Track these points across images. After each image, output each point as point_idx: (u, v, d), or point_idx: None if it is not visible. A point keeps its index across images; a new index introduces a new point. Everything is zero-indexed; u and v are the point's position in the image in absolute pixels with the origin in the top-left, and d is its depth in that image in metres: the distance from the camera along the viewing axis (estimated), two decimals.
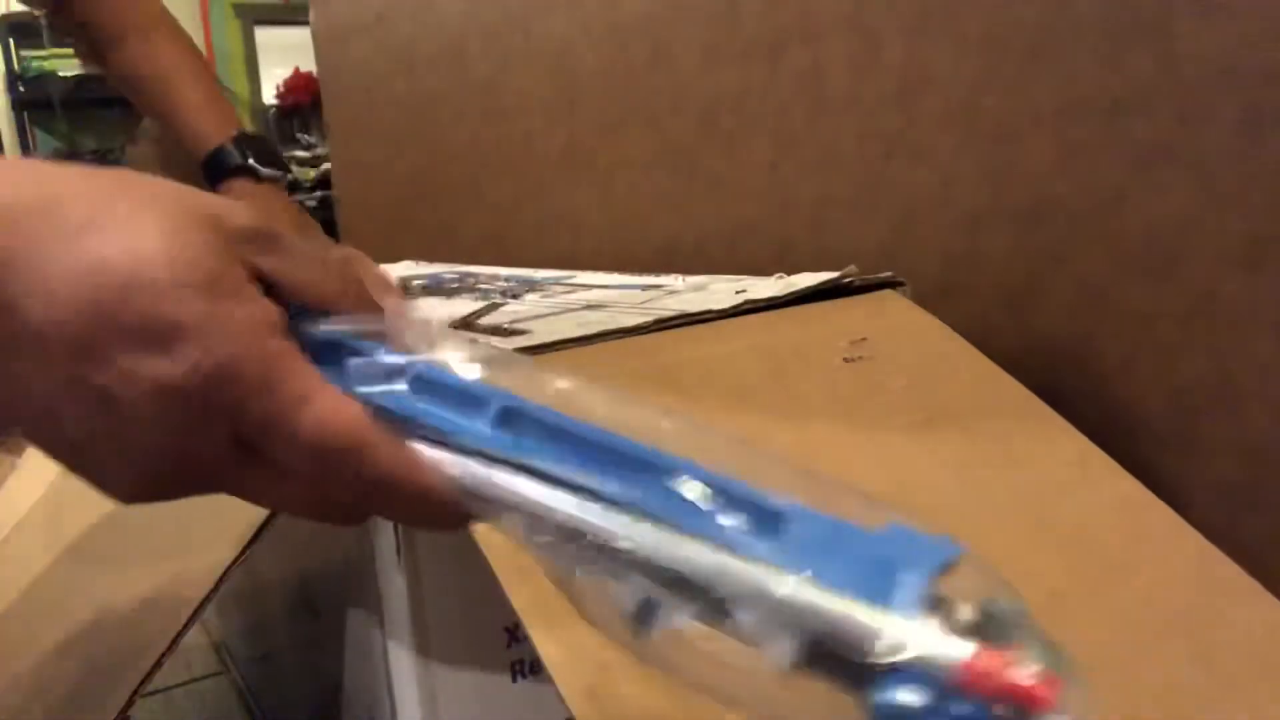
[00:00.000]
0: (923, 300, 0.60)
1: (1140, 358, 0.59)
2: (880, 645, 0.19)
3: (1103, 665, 0.38)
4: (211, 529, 0.45)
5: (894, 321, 0.58)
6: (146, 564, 0.47)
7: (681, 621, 0.23)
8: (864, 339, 0.54)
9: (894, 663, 0.19)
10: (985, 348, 0.56)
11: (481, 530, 0.38)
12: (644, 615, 0.24)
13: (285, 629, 0.69)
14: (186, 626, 0.42)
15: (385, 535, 0.45)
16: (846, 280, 0.59)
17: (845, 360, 0.53)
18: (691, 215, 0.91)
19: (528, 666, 0.49)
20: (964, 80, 0.65)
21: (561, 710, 0.33)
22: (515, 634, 0.48)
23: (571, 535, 0.25)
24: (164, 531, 0.49)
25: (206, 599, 0.42)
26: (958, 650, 0.19)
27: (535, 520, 0.26)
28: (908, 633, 0.19)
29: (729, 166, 0.86)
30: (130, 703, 0.41)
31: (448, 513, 0.28)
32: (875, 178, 0.73)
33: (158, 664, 0.41)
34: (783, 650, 0.21)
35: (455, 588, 0.46)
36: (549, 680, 0.33)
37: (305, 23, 1.63)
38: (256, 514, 0.42)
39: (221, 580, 0.42)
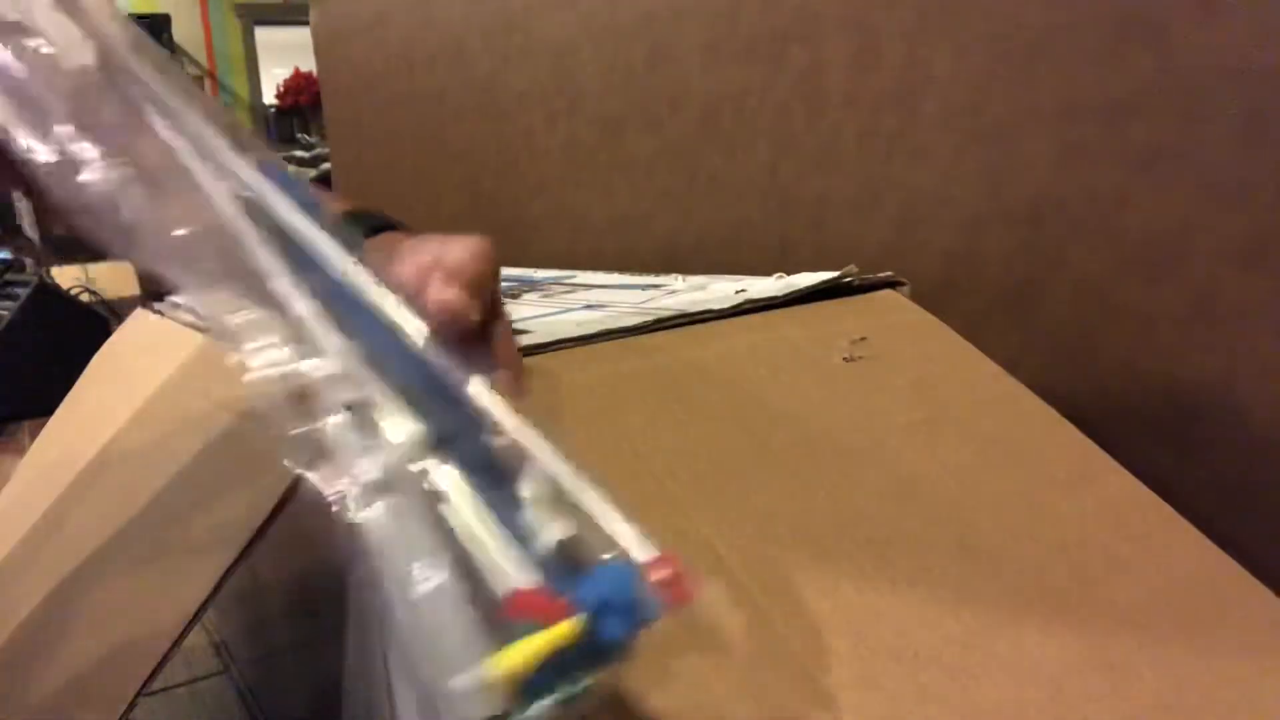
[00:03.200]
0: (923, 300, 0.60)
1: (1140, 358, 0.59)
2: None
3: (1103, 663, 0.38)
4: (211, 529, 0.45)
5: (894, 321, 0.58)
6: (147, 564, 0.47)
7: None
8: (864, 339, 0.54)
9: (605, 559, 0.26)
10: (985, 348, 0.56)
11: None
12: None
13: (285, 629, 0.69)
14: (188, 627, 0.42)
15: None
16: (846, 280, 0.59)
17: (845, 360, 0.53)
18: (691, 215, 0.91)
19: None
20: (964, 80, 0.65)
21: None
22: None
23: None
24: (164, 531, 0.49)
25: (207, 599, 0.42)
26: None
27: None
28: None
29: (729, 166, 0.86)
30: (132, 704, 0.41)
31: None
32: (875, 178, 0.73)
33: (159, 664, 0.41)
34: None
35: None
36: None
37: (305, 23, 1.63)
38: (257, 514, 0.42)
39: (222, 580, 0.42)
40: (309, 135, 4.53)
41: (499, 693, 0.24)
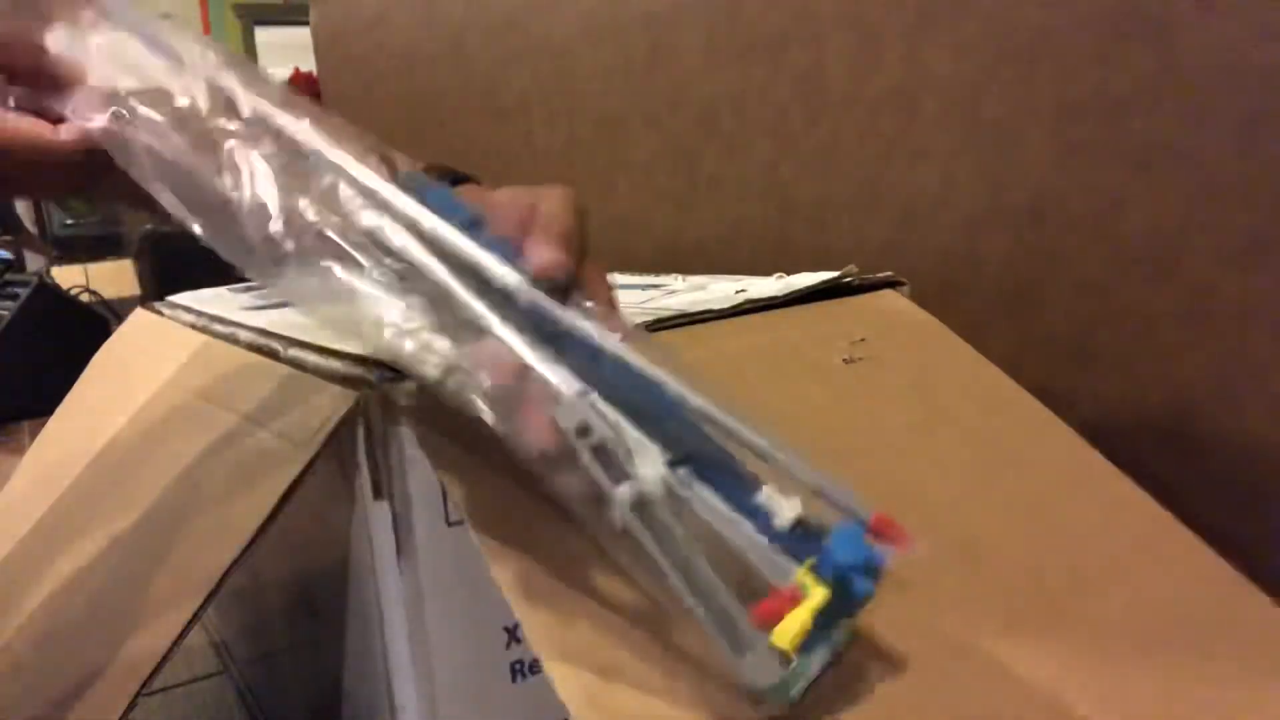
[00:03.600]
0: (923, 300, 0.60)
1: (1140, 357, 0.59)
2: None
3: (1100, 668, 0.38)
4: (211, 529, 0.45)
5: (894, 321, 0.58)
6: (146, 565, 0.47)
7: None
8: (863, 339, 0.54)
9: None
10: (985, 348, 0.56)
11: (481, 531, 0.38)
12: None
13: (285, 629, 0.69)
14: (187, 627, 0.42)
15: (384, 535, 0.45)
16: (846, 280, 0.59)
17: (845, 361, 0.53)
18: (691, 215, 0.91)
19: (528, 666, 0.49)
20: (964, 80, 0.65)
21: (561, 710, 0.33)
22: (515, 634, 0.48)
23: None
24: (164, 531, 0.49)
25: (207, 599, 0.42)
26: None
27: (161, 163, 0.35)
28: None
29: (729, 166, 0.86)
30: (132, 704, 0.41)
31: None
32: (875, 178, 0.73)
33: (158, 664, 0.41)
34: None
35: (454, 587, 0.46)
36: (549, 680, 0.33)
37: (305, 23, 1.63)
38: (257, 514, 0.42)
39: (222, 580, 0.42)
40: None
41: (784, 659, 0.30)
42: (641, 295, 0.64)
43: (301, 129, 0.37)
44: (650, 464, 0.31)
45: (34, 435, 0.70)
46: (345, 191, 0.37)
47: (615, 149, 1.00)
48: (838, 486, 0.32)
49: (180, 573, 0.45)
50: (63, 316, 1.81)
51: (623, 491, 0.31)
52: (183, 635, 0.42)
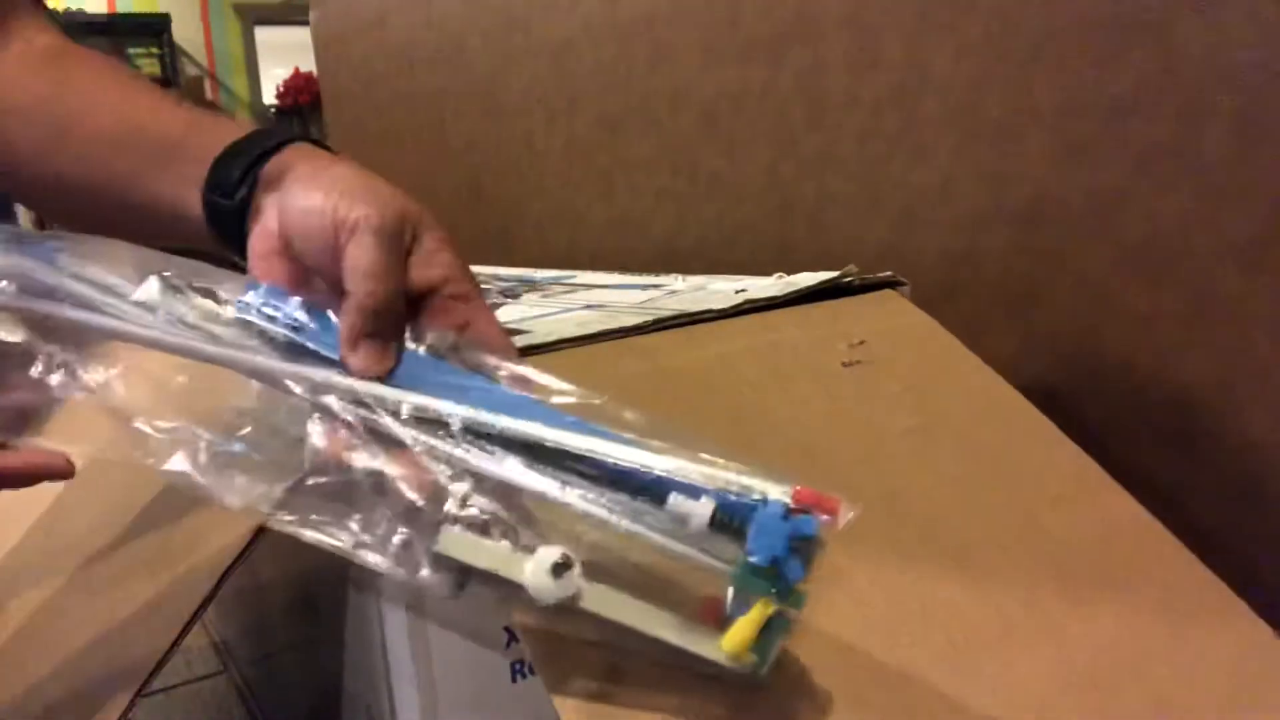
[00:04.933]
0: (923, 300, 0.60)
1: (1140, 358, 0.59)
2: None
3: (1089, 680, 0.38)
4: (211, 530, 0.45)
5: (893, 324, 0.58)
6: (147, 565, 0.47)
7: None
8: (862, 342, 0.54)
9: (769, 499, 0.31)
10: (985, 348, 0.56)
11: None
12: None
13: (285, 629, 0.69)
14: (187, 627, 0.42)
15: None
16: (846, 280, 0.59)
17: (844, 365, 0.53)
18: (691, 215, 0.91)
19: (527, 667, 0.49)
20: (964, 80, 0.65)
21: None
22: (515, 634, 0.48)
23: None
24: (164, 532, 0.49)
25: (207, 599, 0.42)
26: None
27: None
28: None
29: (729, 166, 0.86)
30: (132, 703, 0.41)
31: None
32: (875, 178, 0.73)
33: (159, 664, 0.41)
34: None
35: None
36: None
37: (305, 23, 1.63)
38: (257, 515, 0.42)
39: (222, 580, 0.42)
40: (309, 135, 4.52)
41: (741, 659, 0.31)
42: (641, 295, 0.64)
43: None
44: (539, 571, 0.31)
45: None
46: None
47: (615, 149, 1.00)
48: (755, 472, 0.32)
49: (181, 572, 0.45)
50: None
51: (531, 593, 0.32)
52: (183, 635, 0.42)
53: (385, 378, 0.34)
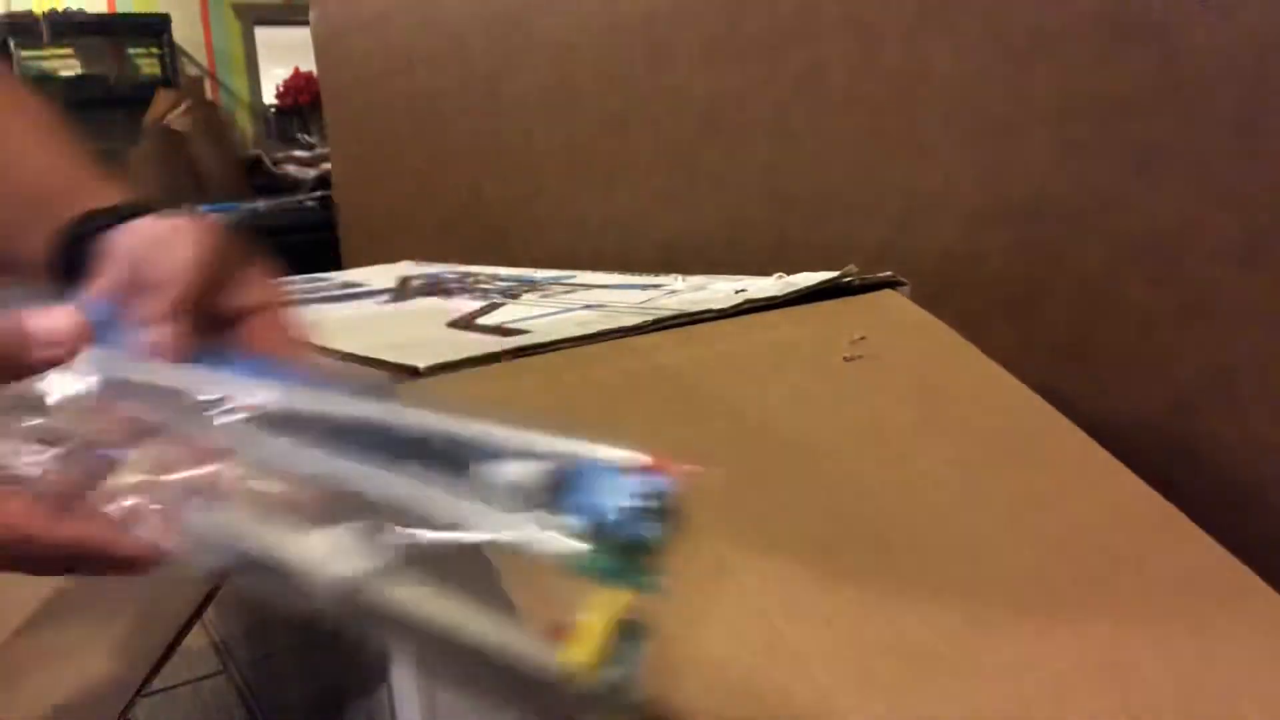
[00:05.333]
0: (923, 300, 0.60)
1: (1140, 358, 0.59)
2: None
3: (1105, 662, 0.38)
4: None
5: (894, 321, 0.58)
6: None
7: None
8: (863, 338, 0.54)
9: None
10: (985, 347, 0.56)
11: None
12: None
13: (285, 629, 0.69)
14: (187, 626, 0.42)
15: None
16: (846, 280, 0.59)
17: (845, 360, 0.53)
18: (691, 215, 0.91)
19: None
20: (963, 79, 0.65)
21: None
22: None
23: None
24: None
25: (207, 599, 0.42)
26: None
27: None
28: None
29: (729, 166, 0.86)
30: (132, 703, 0.41)
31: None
32: (875, 177, 0.73)
33: (158, 664, 0.41)
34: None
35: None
36: None
37: (305, 23, 1.63)
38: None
39: (222, 580, 0.42)
40: (309, 135, 4.52)
41: (590, 672, 0.24)
42: (641, 295, 0.64)
43: None
44: (340, 558, 0.25)
45: None
46: None
47: (615, 149, 1.00)
48: (582, 446, 0.26)
49: (181, 573, 0.45)
50: None
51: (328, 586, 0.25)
52: (183, 635, 0.42)
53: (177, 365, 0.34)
